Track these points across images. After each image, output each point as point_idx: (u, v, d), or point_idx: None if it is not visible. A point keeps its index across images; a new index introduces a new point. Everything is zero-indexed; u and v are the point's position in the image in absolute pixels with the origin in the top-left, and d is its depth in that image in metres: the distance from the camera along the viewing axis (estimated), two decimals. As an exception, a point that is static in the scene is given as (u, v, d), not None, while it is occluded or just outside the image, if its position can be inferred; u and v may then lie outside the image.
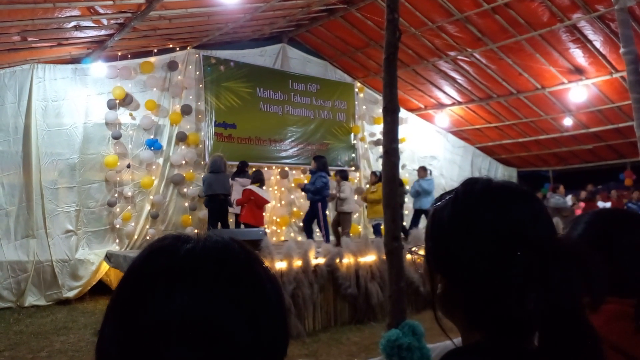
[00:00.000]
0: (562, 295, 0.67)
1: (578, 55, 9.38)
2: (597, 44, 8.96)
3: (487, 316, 0.75)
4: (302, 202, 10.34)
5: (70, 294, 7.79)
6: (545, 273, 0.68)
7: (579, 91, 10.17)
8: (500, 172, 14.44)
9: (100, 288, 8.18)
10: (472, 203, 0.79)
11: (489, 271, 0.73)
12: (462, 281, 0.77)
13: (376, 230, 9.41)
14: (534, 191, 0.84)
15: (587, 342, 0.68)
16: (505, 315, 0.72)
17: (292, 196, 10.72)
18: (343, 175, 9.30)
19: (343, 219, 9.05)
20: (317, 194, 8.43)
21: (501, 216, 0.75)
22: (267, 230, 8.37)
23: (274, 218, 10.45)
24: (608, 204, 11.81)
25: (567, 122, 11.63)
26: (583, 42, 8.93)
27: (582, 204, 11.74)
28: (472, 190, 0.81)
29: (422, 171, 10.77)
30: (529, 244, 0.72)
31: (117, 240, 8.55)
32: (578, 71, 9.83)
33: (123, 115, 8.77)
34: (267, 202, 8.21)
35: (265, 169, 10.37)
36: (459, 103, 12.23)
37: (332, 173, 9.59)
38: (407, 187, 11.22)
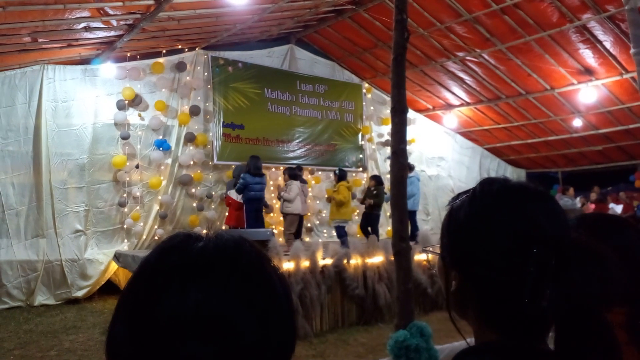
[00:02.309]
0: (580, 293, 0.68)
1: (588, 55, 9.31)
2: (607, 45, 8.89)
3: (501, 314, 0.76)
4: (309, 203, 10.33)
5: (79, 294, 7.85)
6: (562, 270, 0.69)
7: (588, 92, 10.09)
8: (509, 173, 14.34)
9: (109, 288, 8.23)
10: (489, 202, 0.80)
11: (504, 268, 0.74)
12: (478, 278, 0.78)
13: (339, 233, 8.83)
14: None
15: (605, 341, 0.68)
16: (519, 313, 0.73)
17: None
18: (291, 174, 8.73)
19: (285, 220, 8.70)
20: (243, 197, 8.20)
21: (518, 215, 0.77)
22: (274, 231, 8.38)
23: (281, 219, 10.46)
24: (620, 207, 11.72)
25: (577, 123, 11.55)
26: (593, 42, 8.86)
27: (592, 206, 11.64)
28: (489, 189, 0.82)
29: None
30: (545, 242, 0.73)
31: (126, 240, 8.60)
32: (588, 72, 9.76)
33: (132, 115, 8.82)
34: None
35: (273, 169, 10.40)
36: (468, 104, 12.19)
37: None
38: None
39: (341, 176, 9.16)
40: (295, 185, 8.50)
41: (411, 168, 9.77)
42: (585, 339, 0.67)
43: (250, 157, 8.42)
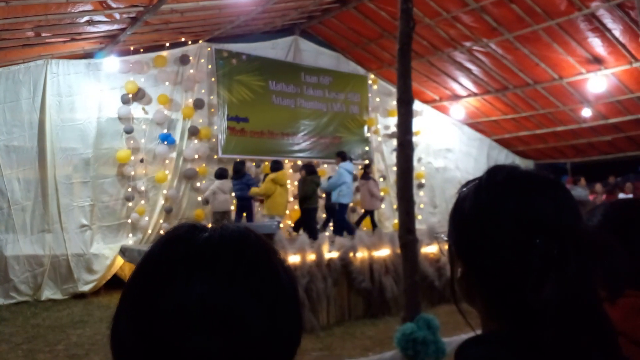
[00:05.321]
0: (579, 285, 0.67)
1: (597, 44, 9.19)
2: (617, 33, 8.76)
3: (505, 305, 0.75)
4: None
5: (86, 288, 7.87)
6: (564, 262, 0.68)
7: (597, 81, 9.98)
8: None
9: (115, 282, 8.24)
10: (494, 192, 0.78)
11: (508, 259, 0.73)
12: (481, 268, 0.77)
13: None
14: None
15: (602, 334, 0.68)
16: (521, 304, 0.71)
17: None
18: (216, 173, 8.59)
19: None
20: None
21: (523, 205, 0.75)
22: (281, 225, 8.32)
23: (287, 212, 10.39)
24: (630, 197, 11.59)
25: (586, 113, 11.44)
26: (602, 31, 8.74)
27: (604, 197, 11.53)
28: (495, 178, 0.80)
29: (337, 157, 9.22)
30: (549, 232, 0.71)
31: (131, 235, 8.61)
32: (597, 61, 9.64)
33: (136, 109, 8.79)
34: None
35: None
36: (475, 94, 12.08)
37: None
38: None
39: (273, 168, 8.50)
40: (215, 185, 8.49)
41: (344, 158, 9.04)
42: (581, 332, 0.67)
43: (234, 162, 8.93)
